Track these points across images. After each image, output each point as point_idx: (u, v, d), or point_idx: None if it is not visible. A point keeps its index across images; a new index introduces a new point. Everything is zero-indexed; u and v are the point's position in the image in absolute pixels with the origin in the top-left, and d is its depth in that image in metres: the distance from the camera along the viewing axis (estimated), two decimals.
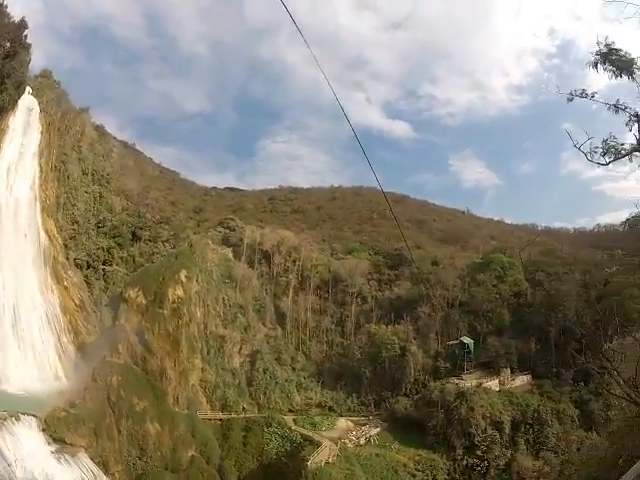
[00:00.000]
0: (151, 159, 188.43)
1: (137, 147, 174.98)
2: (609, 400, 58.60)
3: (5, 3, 68.73)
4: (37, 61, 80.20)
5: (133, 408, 70.90)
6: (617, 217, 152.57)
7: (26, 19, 71.39)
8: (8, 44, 67.05)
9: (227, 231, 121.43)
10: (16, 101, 70.79)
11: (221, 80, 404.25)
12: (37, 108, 75.51)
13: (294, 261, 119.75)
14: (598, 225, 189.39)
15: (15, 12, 70.04)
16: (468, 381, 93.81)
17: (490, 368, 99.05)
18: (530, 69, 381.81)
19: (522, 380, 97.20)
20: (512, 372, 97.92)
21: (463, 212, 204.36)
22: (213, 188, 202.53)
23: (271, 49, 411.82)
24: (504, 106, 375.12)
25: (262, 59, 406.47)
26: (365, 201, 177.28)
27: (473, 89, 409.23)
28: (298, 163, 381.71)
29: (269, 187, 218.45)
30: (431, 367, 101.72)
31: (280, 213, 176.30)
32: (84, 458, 58.66)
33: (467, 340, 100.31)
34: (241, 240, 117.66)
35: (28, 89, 74.36)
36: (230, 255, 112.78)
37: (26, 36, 71.39)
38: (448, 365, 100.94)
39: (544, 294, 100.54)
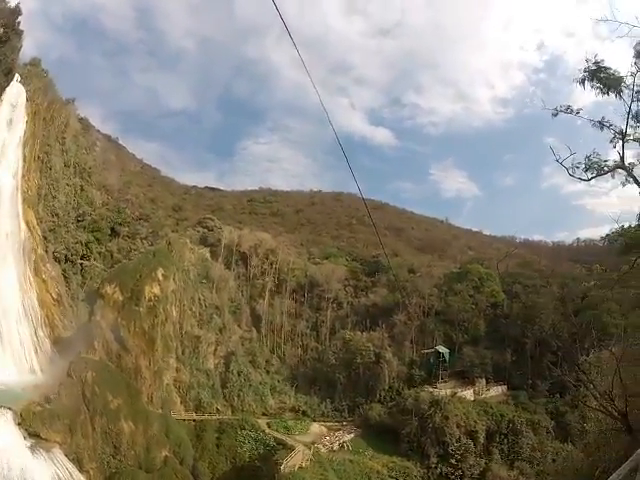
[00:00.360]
0: (133, 155, 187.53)
1: (120, 142, 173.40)
2: (585, 412, 59.28)
3: None
4: (27, 48, 78.44)
5: (107, 405, 69.65)
6: (597, 232, 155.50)
7: (21, 5, 70.72)
8: (1, 29, 65.63)
9: (205, 231, 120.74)
10: (4, 88, 69.28)
11: (206, 78, 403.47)
12: (24, 97, 74.06)
13: (271, 264, 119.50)
14: (577, 239, 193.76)
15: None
16: (443, 390, 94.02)
17: (465, 378, 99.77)
18: (516, 82, 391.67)
19: (497, 390, 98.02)
20: (487, 382, 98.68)
21: (442, 221, 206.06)
22: (193, 187, 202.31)
23: (258, 49, 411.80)
24: (488, 118, 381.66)
25: (248, 58, 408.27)
26: (344, 207, 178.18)
27: (457, 100, 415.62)
28: (278, 165, 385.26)
29: (249, 188, 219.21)
30: (406, 375, 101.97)
31: (259, 215, 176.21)
32: (59, 454, 57.55)
33: (442, 349, 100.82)
34: (219, 241, 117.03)
35: (17, 76, 72.93)
36: (207, 255, 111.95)
37: (19, 22, 70.20)
38: (423, 373, 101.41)
39: (521, 306, 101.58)
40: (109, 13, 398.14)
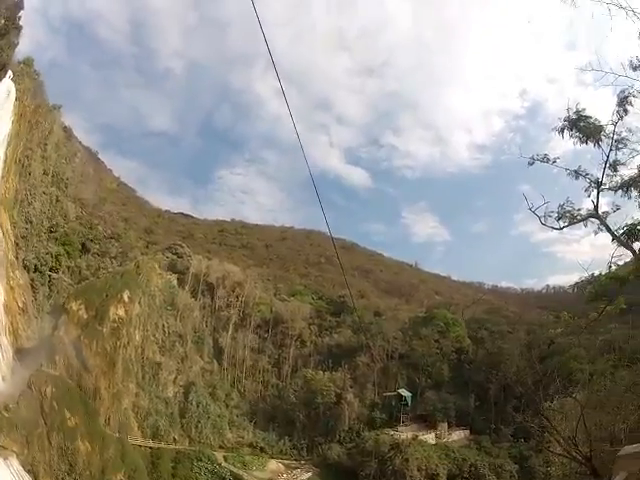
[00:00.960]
0: (111, 171, 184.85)
1: (99, 156, 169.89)
2: (549, 457, 59.43)
3: None
4: (23, 46, 77.20)
5: (65, 422, 67.15)
6: (567, 279, 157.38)
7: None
8: (2, 21, 64.45)
9: (175, 257, 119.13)
10: None
11: (190, 101, 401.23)
12: (14, 95, 72.61)
13: (237, 297, 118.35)
14: (547, 286, 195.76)
15: None
16: (404, 433, 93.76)
17: (427, 421, 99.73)
18: (495, 129, 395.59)
19: (460, 435, 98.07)
20: (450, 426, 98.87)
21: (411, 265, 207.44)
22: (166, 211, 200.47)
23: (244, 78, 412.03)
24: (464, 164, 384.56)
25: (233, 87, 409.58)
26: (314, 245, 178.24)
27: (435, 144, 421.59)
28: (252, 198, 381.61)
29: (221, 218, 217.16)
30: (367, 417, 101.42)
31: (229, 246, 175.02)
32: (15, 463, 54.88)
33: (405, 393, 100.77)
34: (187, 268, 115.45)
35: (10, 73, 71.52)
36: (175, 282, 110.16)
37: (20, 17, 69.22)
38: (384, 416, 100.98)
39: (486, 352, 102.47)
40: (105, 22, 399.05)
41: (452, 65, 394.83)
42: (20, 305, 74.44)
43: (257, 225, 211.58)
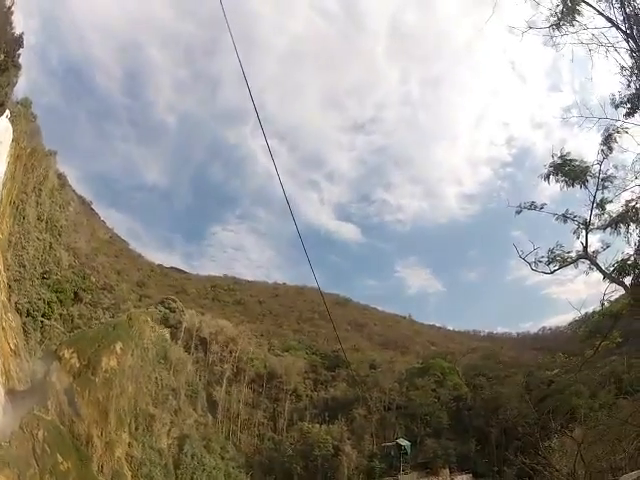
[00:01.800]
0: (104, 222, 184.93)
1: (93, 206, 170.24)
2: None
3: (13, 9, 68.22)
4: (20, 85, 78.16)
5: (57, 466, 65.41)
6: (563, 319, 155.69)
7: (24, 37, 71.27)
8: (2, 56, 65.53)
9: (167, 311, 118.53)
10: None
11: (182, 156, 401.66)
12: (11, 135, 73.47)
13: (231, 352, 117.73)
14: (543, 328, 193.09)
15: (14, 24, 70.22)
16: None
17: (428, 469, 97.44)
18: (484, 178, 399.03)
19: (462, 479, 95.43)
20: (451, 472, 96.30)
21: (405, 318, 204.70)
22: (159, 265, 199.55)
23: (237, 134, 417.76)
24: (454, 214, 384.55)
25: (226, 143, 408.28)
26: (307, 301, 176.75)
27: (425, 197, 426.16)
28: (244, 254, 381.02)
29: (213, 274, 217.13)
30: (366, 467, 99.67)
31: (221, 302, 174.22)
32: None
33: (404, 442, 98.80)
34: (180, 323, 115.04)
35: (7, 112, 72.49)
36: (167, 336, 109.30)
37: (20, 55, 70.60)
38: (383, 465, 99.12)
39: (484, 397, 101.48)
40: (102, 69, 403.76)
41: (439, 119, 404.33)
42: (12, 347, 73.45)
43: (249, 281, 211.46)
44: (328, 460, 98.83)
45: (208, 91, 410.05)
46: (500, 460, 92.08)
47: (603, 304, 20.37)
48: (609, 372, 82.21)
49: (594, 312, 22.69)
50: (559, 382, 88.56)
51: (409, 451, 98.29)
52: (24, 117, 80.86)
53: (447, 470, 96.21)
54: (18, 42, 69.93)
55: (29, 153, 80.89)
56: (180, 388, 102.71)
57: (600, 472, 25.52)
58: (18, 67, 71.08)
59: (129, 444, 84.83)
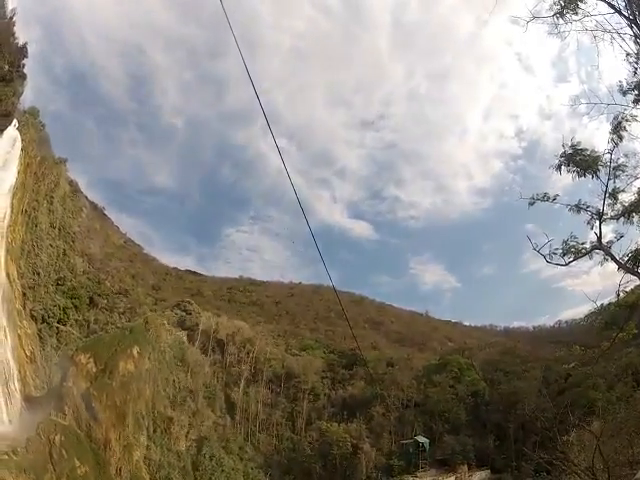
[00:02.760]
0: (118, 227, 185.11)
1: (105, 212, 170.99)
2: None
3: (14, 20, 69.09)
4: (26, 95, 78.92)
5: (74, 471, 66.12)
6: (579, 312, 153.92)
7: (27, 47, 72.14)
8: (7, 67, 66.34)
9: (183, 314, 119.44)
10: (1, 131, 69.33)
11: (192, 159, 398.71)
12: (19, 145, 74.29)
13: (248, 353, 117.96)
14: (559, 321, 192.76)
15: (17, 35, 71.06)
16: (423, 478, 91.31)
17: (446, 465, 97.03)
18: (495, 171, 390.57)
19: (481, 475, 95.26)
20: (469, 468, 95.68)
21: (421, 314, 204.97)
22: (174, 268, 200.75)
23: (245, 135, 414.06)
24: (466, 209, 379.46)
25: (235, 144, 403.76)
26: (324, 300, 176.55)
27: (437, 192, 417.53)
28: (258, 255, 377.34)
29: (229, 276, 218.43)
30: (384, 465, 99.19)
31: (238, 303, 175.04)
32: None
33: (422, 439, 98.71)
34: (197, 325, 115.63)
35: (15, 122, 73.32)
36: (184, 338, 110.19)
37: (24, 65, 71.32)
38: (402, 463, 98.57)
39: (502, 392, 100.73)
40: (107, 75, 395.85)
41: (448, 113, 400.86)
42: (28, 354, 74.51)
43: (265, 282, 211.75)
44: (347, 459, 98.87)
45: (214, 93, 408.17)
46: (518, 455, 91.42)
47: (619, 295, 20.00)
48: (626, 364, 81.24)
49: (610, 303, 22.44)
50: (576, 375, 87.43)
51: (427, 448, 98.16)
52: (32, 126, 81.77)
53: (465, 466, 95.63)
54: (22, 52, 70.83)
55: (39, 161, 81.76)
56: (198, 390, 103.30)
57: (618, 466, 25.30)
58: (23, 77, 72.18)
59: (147, 447, 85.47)
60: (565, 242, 19.92)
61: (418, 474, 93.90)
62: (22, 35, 72.51)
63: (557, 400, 69.96)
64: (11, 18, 68.67)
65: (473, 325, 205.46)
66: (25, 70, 72.05)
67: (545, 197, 20.40)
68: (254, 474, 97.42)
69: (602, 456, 20.87)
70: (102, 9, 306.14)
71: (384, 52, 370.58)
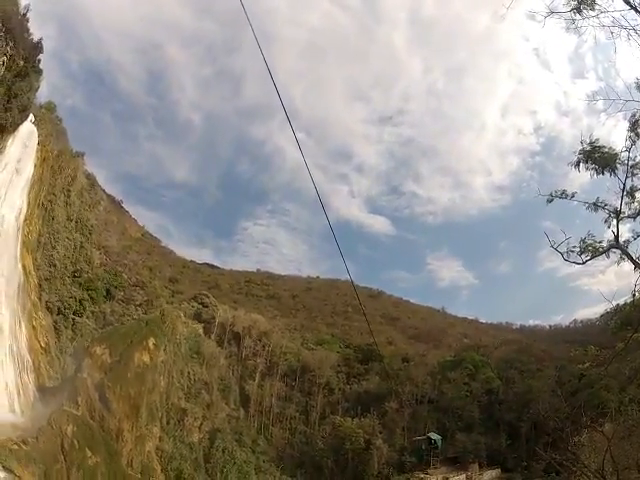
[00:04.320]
0: (135, 220, 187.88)
1: (123, 205, 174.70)
2: None
3: (28, 16, 70.00)
4: (42, 90, 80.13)
5: (85, 461, 66.96)
6: (594, 311, 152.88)
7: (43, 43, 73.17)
8: (22, 62, 67.03)
9: (200, 307, 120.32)
10: (18, 125, 70.23)
11: (210, 153, 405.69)
12: (36, 139, 75.16)
13: (264, 346, 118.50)
14: (574, 321, 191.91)
15: (32, 31, 72.16)
16: (434, 476, 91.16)
17: (458, 463, 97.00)
18: (513, 168, 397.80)
19: (491, 474, 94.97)
20: (480, 467, 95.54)
21: (438, 311, 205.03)
22: (191, 261, 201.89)
23: (263, 130, 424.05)
24: (484, 205, 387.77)
25: (253, 139, 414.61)
26: (341, 294, 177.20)
27: (455, 188, 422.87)
28: (276, 249, 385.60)
29: (246, 269, 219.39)
30: (396, 461, 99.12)
31: (255, 297, 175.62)
32: None
33: (435, 436, 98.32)
34: (213, 318, 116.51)
35: (31, 116, 74.26)
36: (200, 331, 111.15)
37: (39, 60, 72.09)
38: (414, 460, 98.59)
39: (516, 391, 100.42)
40: (124, 72, 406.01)
41: (465, 108, 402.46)
42: (42, 345, 75.54)
43: (283, 276, 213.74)
44: (359, 454, 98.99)
45: (232, 88, 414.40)
46: (529, 455, 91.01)
47: (634, 295, 19.75)
48: (639, 366, 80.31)
49: (625, 304, 22.51)
50: (590, 376, 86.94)
51: (440, 445, 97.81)
52: (49, 120, 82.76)
53: (476, 465, 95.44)
54: (37, 48, 71.61)
55: (56, 155, 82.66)
56: (213, 382, 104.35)
57: (627, 469, 25.17)
58: (39, 72, 72.86)
59: (160, 438, 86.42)
60: (582, 240, 19.79)
61: (429, 471, 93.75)
62: (37, 31, 73.58)
63: (570, 400, 69.41)
64: (24, 15, 69.46)
65: (489, 322, 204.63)
66: (41, 66, 72.96)
67: (563, 194, 20.31)
68: (266, 467, 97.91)
69: (612, 459, 20.78)
70: (117, 5, 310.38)
71: (401, 47, 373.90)
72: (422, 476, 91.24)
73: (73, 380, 77.45)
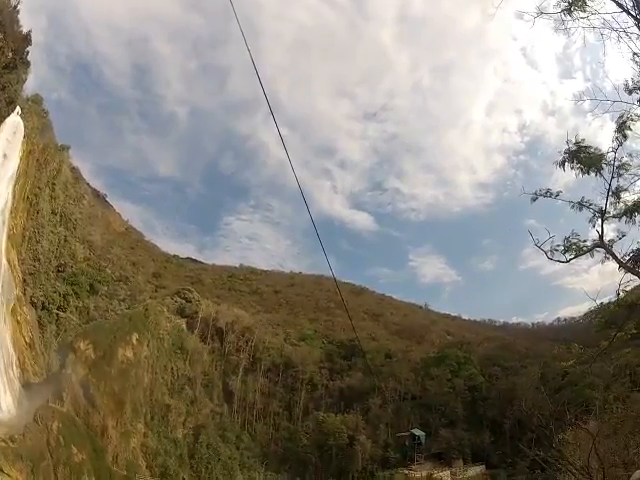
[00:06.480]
0: (119, 214, 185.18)
1: (107, 199, 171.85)
2: None
3: (19, 8, 68.84)
4: (29, 83, 78.83)
5: (72, 458, 66.30)
6: (578, 310, 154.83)
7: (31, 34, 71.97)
8: (10, 54, 65.93)
9: (183, 302, 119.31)
10: (4, 118, 69.29)
11: (194, 148, 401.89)
12: (22, 132, 73.99)
13: (247, 341, 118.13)
14: (558, 319, 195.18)
15: (21, 23, 71.03)
16: (418, 472, 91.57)
17: (442, 459, 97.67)
18: (497, 166, 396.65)
19: (475, 470, 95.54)
20: (465, 463, 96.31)
21: (421, 307, 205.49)
22: (174, 256, 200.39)
23: (247, 125, 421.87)
24: (468, 203, 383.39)
25: (238, 134, 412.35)
26: (324, 290, 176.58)
27: (439, 185, 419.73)
28: (259, 244, 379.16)
29: (229, 264, 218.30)
30: (380, 457, 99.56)
31: (238, 292, 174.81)
32: None
33: (418, 432, 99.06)
34: (196, 313, 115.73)
35: (18, 109, 73.06)
36: (184, 326, 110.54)
37: (28, 52, 71.08)
38: (398, 456, 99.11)
39: (499, 388, 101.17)
40: (110, 65, 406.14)
41: (451, 106, 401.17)
42: (27, 340, 74.51)
43: (265, 271, 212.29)
44: (343, 450, 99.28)
45: (218, 82, 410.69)
46: (514, 451, 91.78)
47: (619, 294, 20.08)
48: (623, 364, 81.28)
49: (609, 302, 22.68)
50: (573, 373, 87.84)
51: (423, 441, 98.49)
52: (35, 113, 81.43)
53: (461, 461, 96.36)
54: (26, 39, 70.54)
55: (41, 148, 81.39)
56: (196, 378, 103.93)
57: (613, 466, 25.35)
58: (27, 64, 71.82)
59: (144, 434, 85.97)
60: (567, 239, 19.94)
61: (413, 467, 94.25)
62: (26, 23, 72.51)
63: (554, 398, 70.16)
64: (15, 7, 68.38)
65: (472, 319, 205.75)
66: (29, 58, 71.89)
67: (548, 193, 20.45)
68: (250, 463, 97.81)
69: (598, 456, 20.93)
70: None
71: (388, 44, 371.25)
72: (406, 472, 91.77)
73: (58, 376, 76.67)
